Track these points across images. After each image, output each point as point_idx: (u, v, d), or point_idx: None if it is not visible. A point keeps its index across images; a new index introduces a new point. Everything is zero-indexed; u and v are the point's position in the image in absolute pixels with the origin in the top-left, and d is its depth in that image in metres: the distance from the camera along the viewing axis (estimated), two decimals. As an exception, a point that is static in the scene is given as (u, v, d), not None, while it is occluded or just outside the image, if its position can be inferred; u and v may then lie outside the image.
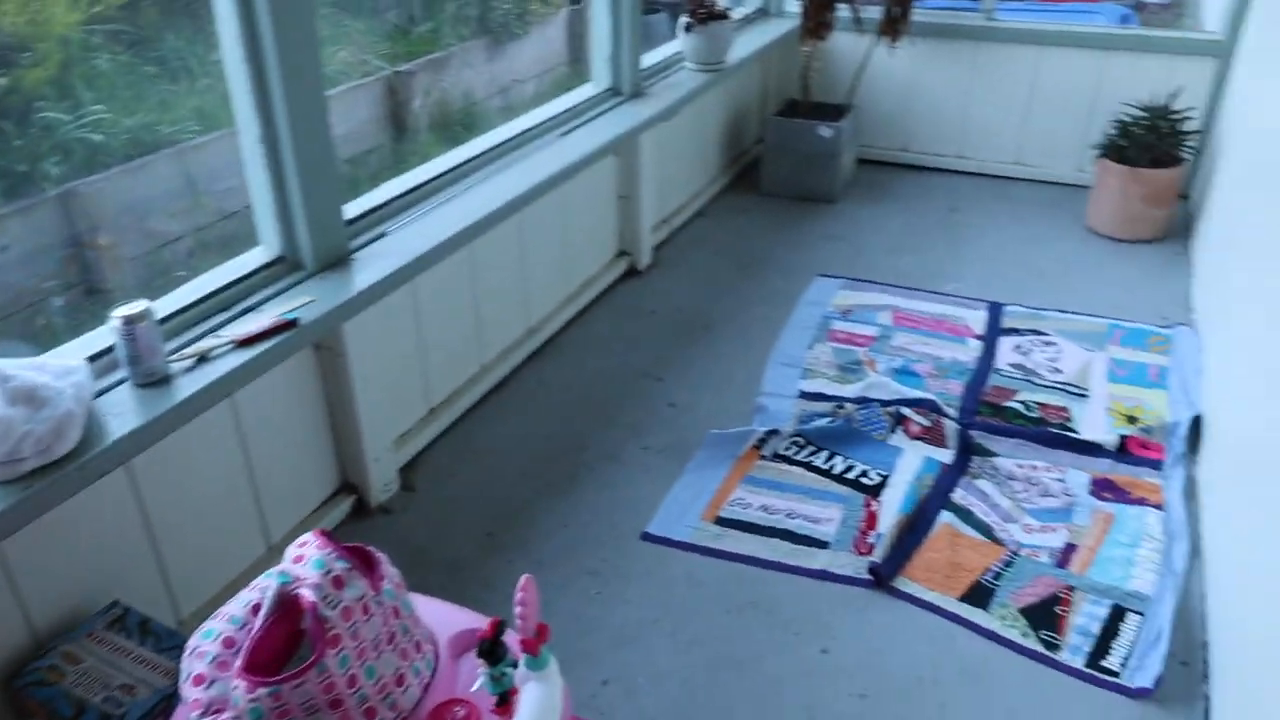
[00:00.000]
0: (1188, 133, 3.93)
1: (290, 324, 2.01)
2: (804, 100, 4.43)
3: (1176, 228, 4.02)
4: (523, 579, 1.32)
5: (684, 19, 3.83)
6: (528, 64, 6.64)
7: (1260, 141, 3.00)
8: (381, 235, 2.45)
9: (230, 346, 1.92)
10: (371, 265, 2.29)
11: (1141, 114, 3.95)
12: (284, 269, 2.21)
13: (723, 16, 3.86)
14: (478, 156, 2.86)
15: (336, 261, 2.27)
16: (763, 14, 4.73)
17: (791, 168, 4.35)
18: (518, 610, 1.33)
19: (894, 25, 4.25)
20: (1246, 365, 2.45)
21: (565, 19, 6.95)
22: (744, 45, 4.20)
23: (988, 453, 2.65)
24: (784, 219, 4.18)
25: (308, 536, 1.40)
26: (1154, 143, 3.88)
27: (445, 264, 2.54)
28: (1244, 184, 3.21)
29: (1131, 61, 4.29)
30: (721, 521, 2.42)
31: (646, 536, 2.39)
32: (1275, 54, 3.22)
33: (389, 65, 5.17)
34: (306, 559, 1.36)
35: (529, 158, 2.95)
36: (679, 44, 3.93)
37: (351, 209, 2.44)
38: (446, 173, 2.75)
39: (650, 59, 3.80)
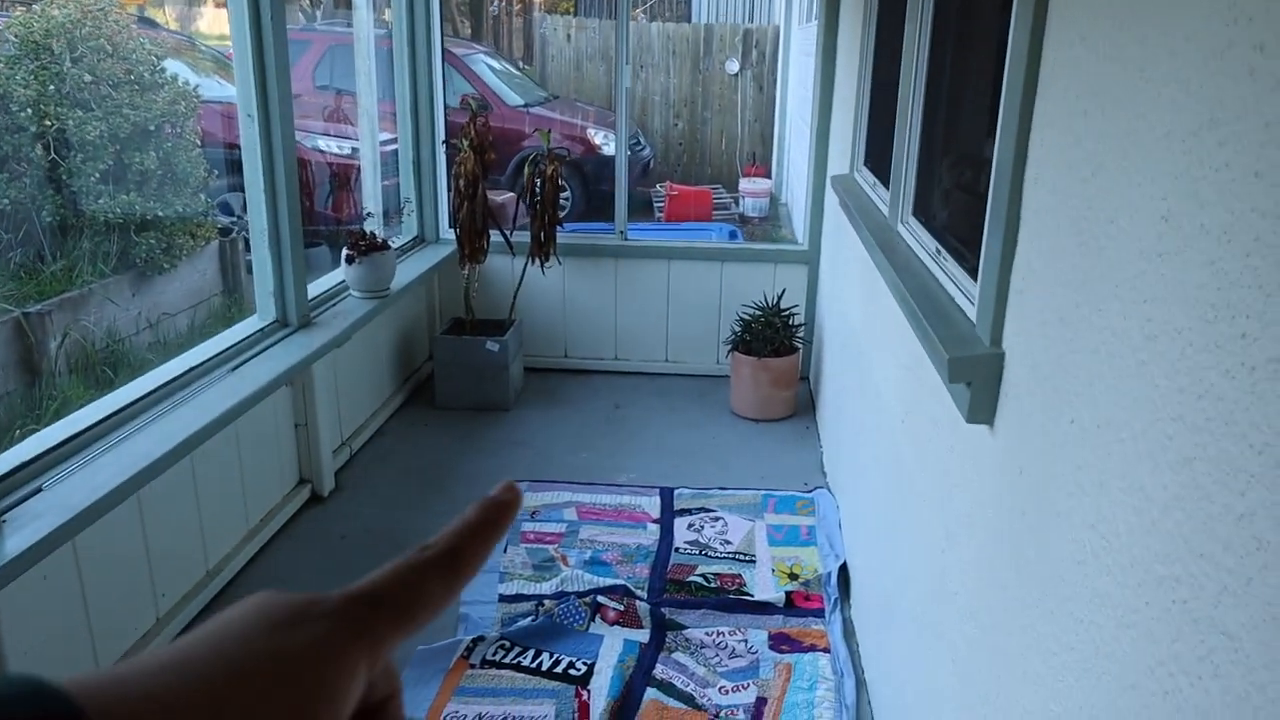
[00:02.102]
0: (797, 325, 4.64)
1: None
2: (469, 318, 4.71)
3: (801, 405, 4.66)
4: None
5: (345, 251, 4.01)
6: (178, 297, 6.45)
7: (840, 329, 3.65)
8: (37, 491, 2.31)
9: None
10: (24, 529, 2.14)
11: (758, 312, 4.63)
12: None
13: (383, 247, 4.08)
14: (144, 398, 2.79)
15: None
16: (421, 241, 5.03)
17: (464, 381, 4.56)
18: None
19: (542, 248, 4.70)
20: (861, 517, 2.91)
21: (215, 251, 6.87)
22: (406, 271, 4.44)
23: (679, 626, 2.87)
24: (463, 430, 4.35)
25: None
26: (772, 335, 4.53)
27: (111, 515, 2.41)
28: (839, 365, 3.86)
29: (743, 269, 5.03)
30: (440, 737, 2.42)
31: (364, 767, 2.32)
32: (836, 262, 3.97)
33: (15, 307, 4.84)
34: None
35: (198, 395, 2.91)
36: (342, 273, 4.09)
37: None
38: (109, 418, 2.65)
39: (316, 288, 3.91)
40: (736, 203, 11.21)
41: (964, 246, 2.01)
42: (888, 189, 2.77)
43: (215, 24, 7.56)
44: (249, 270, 7.19)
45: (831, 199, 4.50)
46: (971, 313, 1.69)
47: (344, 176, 5.41)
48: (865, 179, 3.30)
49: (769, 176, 12.31)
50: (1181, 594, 0.88)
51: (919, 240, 2.28)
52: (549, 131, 4.95)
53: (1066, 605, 1.17)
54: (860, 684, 2.65)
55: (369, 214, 4.58)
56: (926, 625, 1.99)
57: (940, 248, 2.09)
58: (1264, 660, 0.74)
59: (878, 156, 3.28)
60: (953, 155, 2.39)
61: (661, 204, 9.62)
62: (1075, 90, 1.24)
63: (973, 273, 1.85)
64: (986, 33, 2.27)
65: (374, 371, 4.35)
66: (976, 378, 1.52)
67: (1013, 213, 1.47)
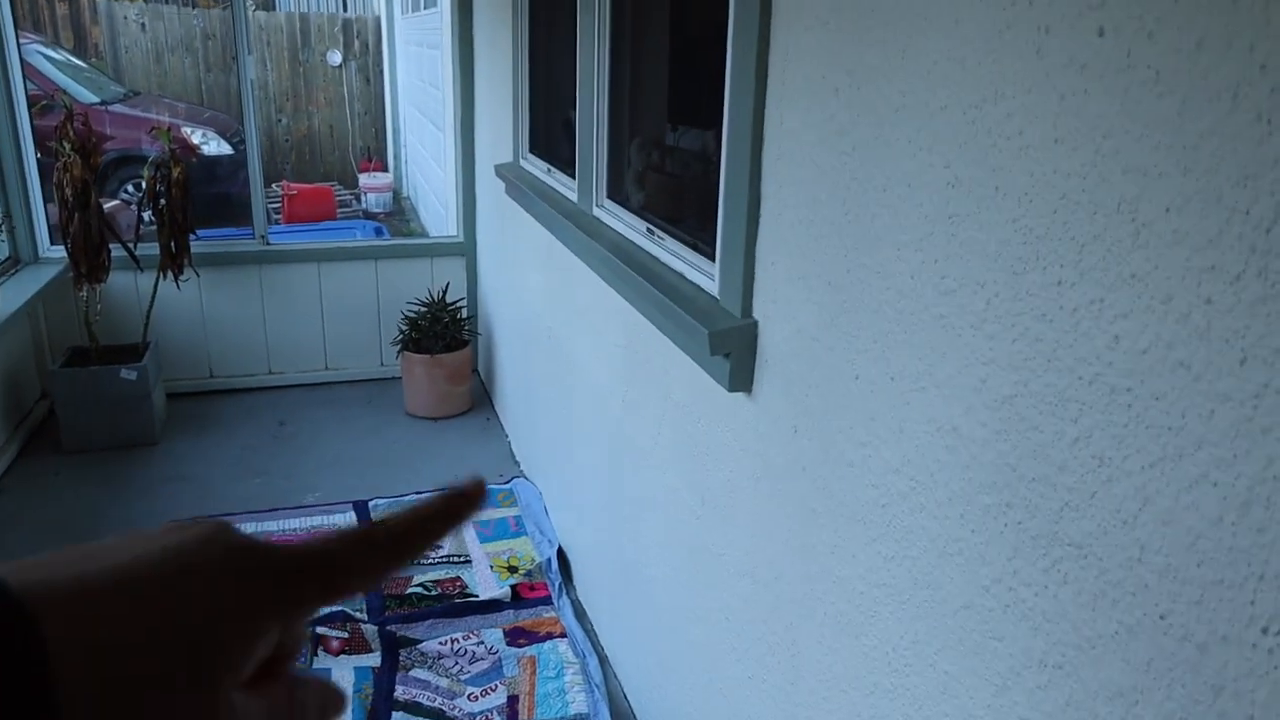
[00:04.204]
0: (465, 318, 4.59)
1: None
2: (93, 346, 4.12)
3: (477, 399, 4.63)
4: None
5: (-70, 281, 3.34)
6: None
7: (516, 318, 3.67)
8: None
9: None
10: None
11: (424, 309, 4.51)
12: None
13: (-20, 273, 3.46)
14: None
15: None
16: (15, 262, 4.31)
17: (97, 417, 3.99)
18: None
19: (174, 259, 4.23)
20: (572, 499, 2.96)
21: None
22: (7, 299, 3.79)
23: (411, 641, 2.75)
24: (104, 473, 3.81)
25: None
26: (441, 331, 4.44)
27: None
28: (519, 354, 3.88)
29: (398, 265, 4.87)
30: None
31: None
32: (502, 251, 3.99)
33: None
34: None
35: None
36: (-74, 308, 3.41)
37: None
38: None
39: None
40: (359, 199, 10.82)
41: (677, 226, 2.10)
42: (571, 175, 2.82)
43: None
44: None
45: (486, 188, 4.49)
46: (710, 288, 1.77)
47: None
48: (537, 165, 3.33)
49: (387, 170, 12.01)
50: (1015, 517, 0.99)
51: (625, 222, 2.34)
52: (168, 130, 4.44)
53: (873, 546, 1.27)
54: (603, 660, 2.71)
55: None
56: (682, 589, 2.07)
57: (652, 228, 2.16)
58: (1119, 560, 0.86)
59: (549, 143, 3.32)
60: (643, 138, 2.48)
61: (279, 205, 9.04)
62: (821, 70, 1.34)
63: (696, 248, 1.94)
64: (678, 18, 2.37)
65: (-20, 420, 3.68)
66: (735, 348, 1.60)
67: (753, 192, 1.56)
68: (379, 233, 5.69)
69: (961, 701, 1.11)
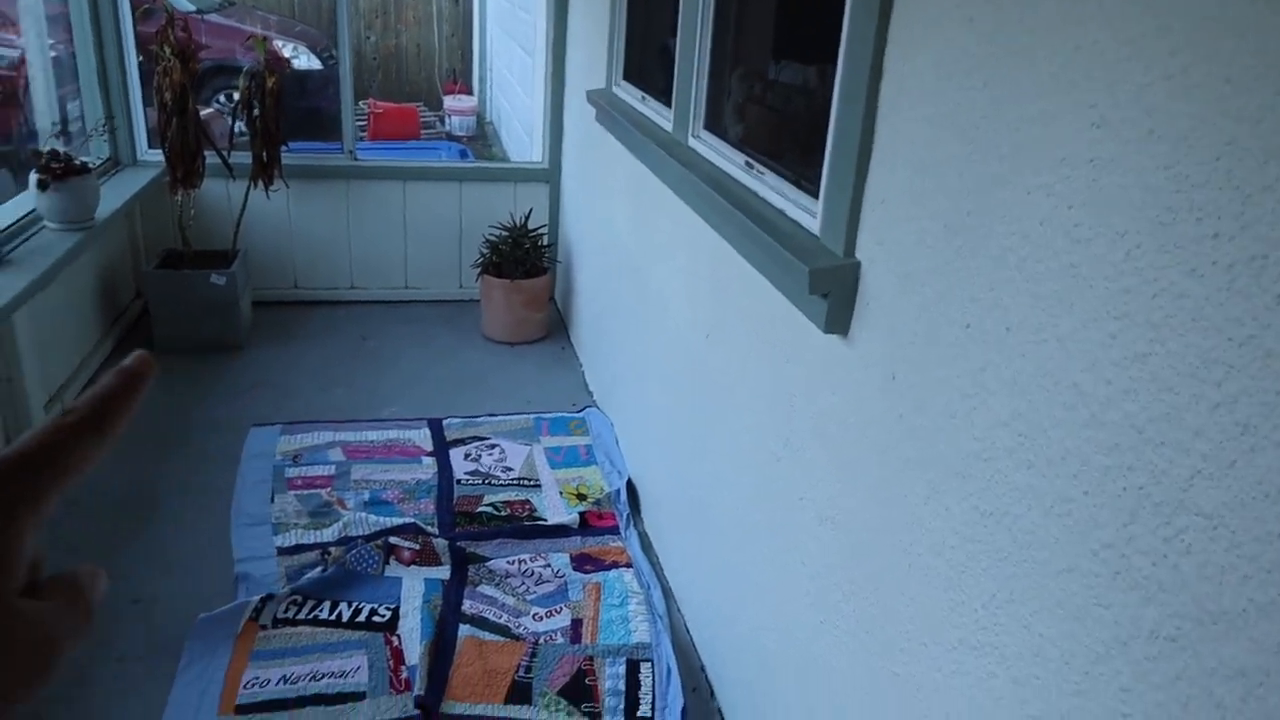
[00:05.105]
0: (546, 246, 4.57)
1: None
2: (185, 250, 4.21)
3: (553, 326, 4.63)
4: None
5: (35, 176, 3.42)
6: None
7: (599, 248, 3.65)
8: None
9: None
10: None
11: (505, 233, 4.51)
12: None
13: (82, 170, 3.53)
14: None
15: None
16: (114, 164, 4.40)
17: (187, 320, 4.09)
18: None
19: (265, 169, 4.28)
20: (645, 432, 2.95)
21: None
22: (107, 199, 3.88)
23: (480, 558, 2.80)
24: (192, 374, 3.92)
25: None
26: (522, 257, 4.44)
27: None
28: (599, 284, 3.86)
29: (481, 189, 4.86)
30: (243, 709, 2.20)
31: (161, 758, 2.08)
32: (588, 179, 3.95)
33: None
34: None
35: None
36: (30, 202, 3.50)
37: None
38: None
39: (1, 222, 3.32)
40: (442, 121, 10.83)
41: (777, 161, 2.04)
42: (666, 104, 2.76)
43: None
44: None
45: (574, 115, 4.44)
46: (811, 225, 1.72)
47: (7, 88, 4.59)
48: (630, 93, 3.26)
49: (472, 93, 11.98)
50: (1137, 481, 0.95)
51: (722, 154, 2.29)
52: (264, 40, 4.46)
53: (970, 500, 1.24)
54: (667, 593, 2.72)
55: (59, 130, 3.93)
56: (756, 530, 2.06)
57: (752, 162, 2.11)
58: (1255, 534, 0.81)
59: (644, 70, 3.26)
60: (746, 68, 2.41)
61: (364, 123, 9.08)
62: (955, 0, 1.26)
63: (798, 184, 1.88)
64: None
65: (79, 314, 3.79)
66: (835, 288, 1.56)
67: (867, 128, 1.50)
68: (463, 155, 5.68)
69: (1055, 666, 1.08)
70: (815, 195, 1.72)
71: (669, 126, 2.70)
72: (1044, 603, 1.09)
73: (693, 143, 2.51)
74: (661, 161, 2.58)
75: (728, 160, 2.24)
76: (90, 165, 3.63)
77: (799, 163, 1.92)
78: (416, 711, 2.23)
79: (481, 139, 10.71)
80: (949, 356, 1.28)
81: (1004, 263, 1.16)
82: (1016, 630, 1.15)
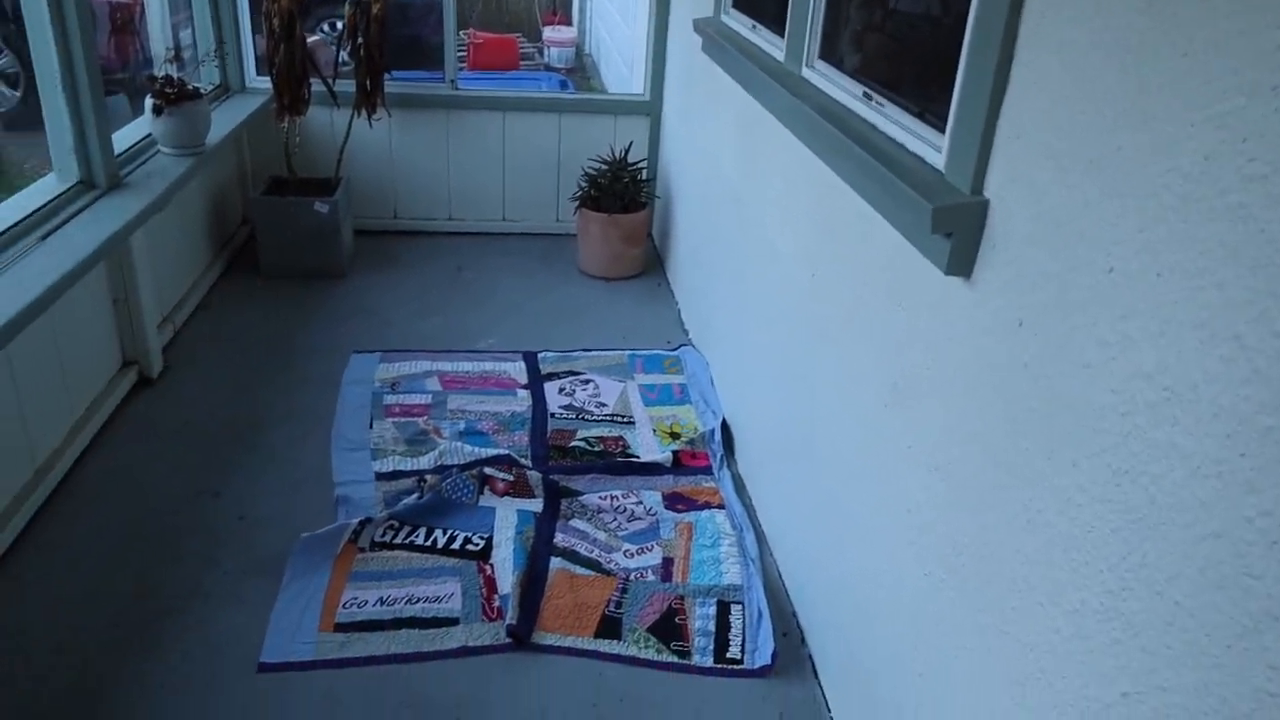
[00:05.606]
0: (645, 180, 4.51)
1: None
2: (290, 177, 4.28)
3: (650, 262, 4.58)
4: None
5: (150, 100, 3.49)
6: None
7: (699, 183, 3.56)
8: None
9: None
10: None
11: (604, 167, 4.45)
12: None
13: (195, 95, 3.59)
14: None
15: None
16: (224, 90, 4.47)
17: (292, 247, 4.17)
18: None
19: (369, 98, 4.29)
20: (741, 373, 2.90)
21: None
22: (217, 124, 3.94)
23: (573, 493, 2.80)
24: (295, 300, 4.00)
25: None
26: (621, 191, 4.38)
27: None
28: (698, 220, 3.78)
29: (582, 121, 4.80)
30: (342, 628, 2.26)
31: (264, 667, 2.14)
32: (690, 112, 3.85)
33: None
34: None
35: (6, 272, 2.48)
36: (145, 126, 3.57)
37: None
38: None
39: (118, 143, 3.40)
40: (541, 52, 10.75)
41: (898, 92, 1.93)
42: (778, 32, 2.65)
43: None
44: (6, 126, 6.24)
45: (678, 47, 4.33)
46: (935, 160, 1.63)
47: (125, 16, 4.69)
48: (740, 21, 3.15)
49: (570, 24, 11.85)
50: (1306, 443, 0.86)
51: (838, 85, 2.18)
52: (369, -35, 4.43)
53: (1102, 457, 1.16)
54: (760, 536, 2.69)
55: (173, 56, 3.99)
56: (858, 477, 2.00)
57: (870, 92, 2.00)
58: None
59: (753, -2, 3.14)
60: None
61: (464, 53, 9.07)
62: (1116, -87, 1.15)
63: (921, 116, 1.78)
64: None
65: (190, 238, 3.89)
66: (959, 228, 1.47)
67: (1004, 56, 1.39)
68: (563, 86, 5.62)
69: (1192, 636, 1.00)
70: (940, 128, 1.62)
71: (781, 56, 2.59)
72: (1183, 569, 1.02)
73: (806, 73, 2.40)
74: (772, 93, 2.48)
75: (844, 91, 2.14)
76: (202, 91, 3.68)
77: (922, 94, 1.81)
78: (508, 640, 2.26)
79: (580, 71, 10.61)
80: (1087, 302, 1.20)
81: (1158, 202, 1.07)
82: (1148, 597, 1.08)
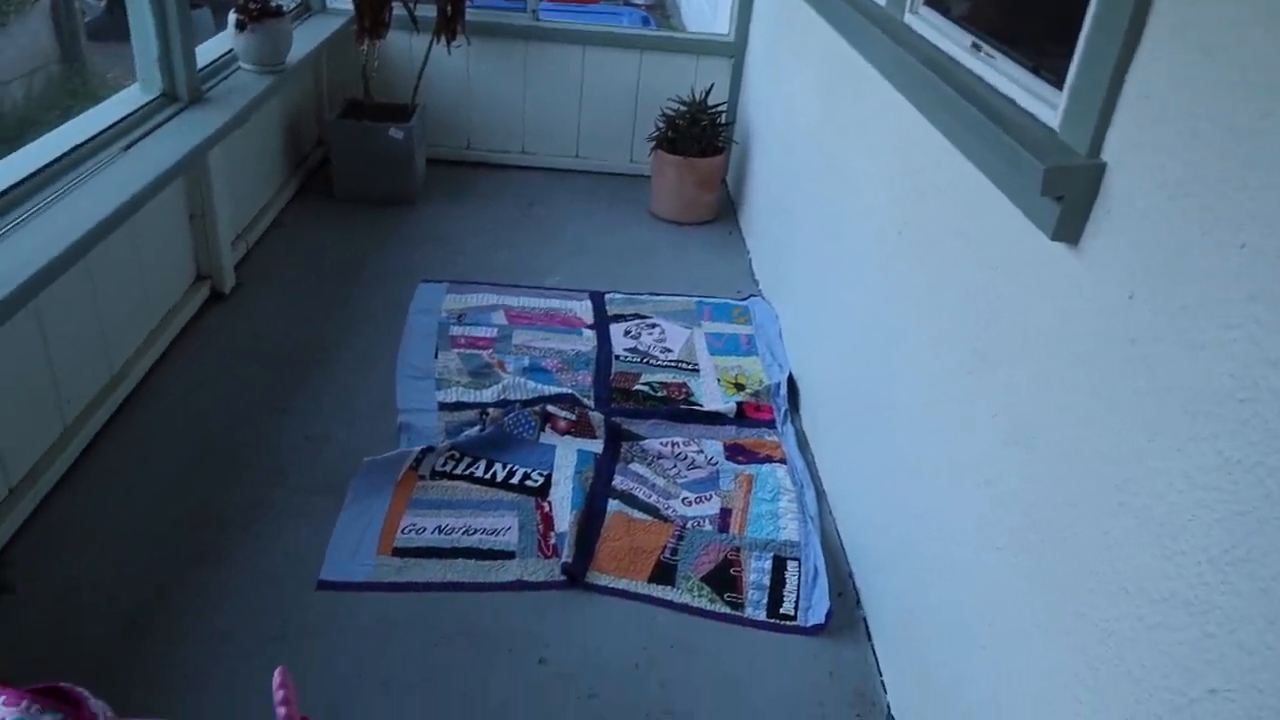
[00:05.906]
0: (724, 124, 4.41)
1: None
2: (367, 101, 4.26)
3: (724, 209, 4.50)
4: (277, 673, 1.14)
5: (234, 16, 3.48)
6: (6, 62, 5.63)
7: (781, 130, 3.47)
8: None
9: None
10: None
11: (684, 108, 4.36)
12: None
13: (277, 13, 3.57)
14: (24, 181, 2.36)
15: None
16: (305, 9, 4.45)
17: (365, 171, 4.17)
18: (280, 712, 1.14)
19: (449, 24, 4.24)
20: (812, 328, 2.84)
21: (47, 9, 6.00)
22: (298, 44, 3.93)
23: (634, 436, 2.78)
24: (367, 224, 4.00)
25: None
26: (699, 134, 4.30)
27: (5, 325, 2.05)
28: (777, 169, 3.69)
29: (662, 60, 4.70)
30: (400, 552, 2.28)
31: (323, 584, 2.18)
32: (776, 55, 3.74)
33: None
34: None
35: (89, 181, 2.49)
36: (227, 42, 3.57)
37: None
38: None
39: (201, 58, 3.40)
40: (621, -13, 10.55)
41: (1010, 44, 1.84)
42: (880, -24, 2.53)
43: None
44: (90, 36, 6.31)
45: (768, -14, 4.19)
46: (1049, 118, 1.54)
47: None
48: (837, -36, 3.03)
49: (654, -40, 11.59)
50: None
51: (943, 33, 2.09)
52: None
53: (1213, 443, 1.09)
54: (820, 494, 2.65)
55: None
56: (933, 443, 1.94)
57: (980, 43, 1.91)
58: None
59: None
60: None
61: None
62: None
63: (1036, 71, 1.69)
64: None
65: (266, 156, 3.91)
66: (1071, 191, 1.39)
67: (1140, 6, 1.30)
68: (645, 22, 5.49)
69: (1300, 638, 0.95)
70: (1057, 85, 1.53)
71: (882, 0, 2.49)
72: (1296, 568, 0.96)
73: (909, 19, 2.30)
74: (870, 38, 2.38)
75: (950, 40, 2.04)
76: (284, 9, 3.66)
77: (1038, 47, 1.72)
78: (563, 577, 2.26)
79: (660, 8, 10.39)
80: (1210, 278, 1.12)
81: (1306, 175, 0.99)
82: (1252, 594, 1.02)
